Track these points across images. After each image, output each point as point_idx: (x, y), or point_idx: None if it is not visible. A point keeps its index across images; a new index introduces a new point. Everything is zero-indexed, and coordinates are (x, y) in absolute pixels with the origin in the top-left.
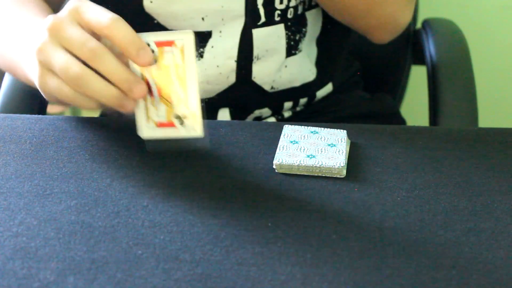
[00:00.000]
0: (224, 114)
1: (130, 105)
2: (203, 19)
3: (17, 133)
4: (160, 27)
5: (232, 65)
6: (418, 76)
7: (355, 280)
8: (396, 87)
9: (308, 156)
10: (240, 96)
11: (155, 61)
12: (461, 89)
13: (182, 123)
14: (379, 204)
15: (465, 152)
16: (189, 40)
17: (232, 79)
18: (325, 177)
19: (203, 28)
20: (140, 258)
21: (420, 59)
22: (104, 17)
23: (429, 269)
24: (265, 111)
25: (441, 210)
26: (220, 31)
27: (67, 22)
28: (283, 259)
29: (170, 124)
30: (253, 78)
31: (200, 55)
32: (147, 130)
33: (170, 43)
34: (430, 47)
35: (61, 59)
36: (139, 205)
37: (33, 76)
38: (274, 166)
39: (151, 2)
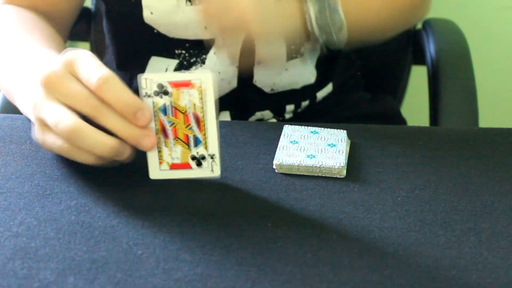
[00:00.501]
0: (224, 117)
1: (128, 152)
2: (205, 27)
3: (17, 133)
4: (161, 36)
5: (234, 71)
6: (418, 76)
7: (355, 280)
8: (397, 87)
9: (308, 156)
10: (241, 99)
11: (164, 108)
12: (461, 89)
13: (199, 164)
14: (379, 204)
15: (465, 152)
16: (208, 81)
17: (233, 84)
18: (325, 177)
19: (206, 36)
20: (140, 258)
21: (420, 59)
22: (95, 77)
23: (429, 269)
24: (267, 114)
25: (441, 210)
26: (224, 38)
27: (63, 77)
28: (283, 259)
29: (186, 165)
30: (254, 82)
31: (202, 61)
32: (159, 172)
33: (187, 84)
34: (431, 47)
35: (53, 113)
36: (139, 205)
37: (32, 127)
38: (274, 166)
39: (152, 13)
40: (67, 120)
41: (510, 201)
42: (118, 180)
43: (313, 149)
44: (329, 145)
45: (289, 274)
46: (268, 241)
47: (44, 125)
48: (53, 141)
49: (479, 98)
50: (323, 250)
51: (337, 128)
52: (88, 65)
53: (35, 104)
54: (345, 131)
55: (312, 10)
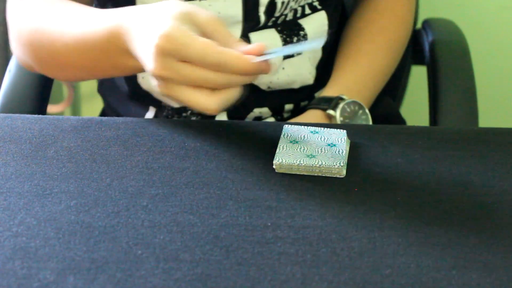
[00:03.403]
0: (221, 115)
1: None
2: None
3: (17, 133)
4: None
5: None
6: (418, 76)
7: (355, 280)
8: (396, 87)
9: (308, 156)
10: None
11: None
12: (461, 89)
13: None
14: (379, 204)
15: (465, 152)
16: None
17: None
18: (325, 177)
19: None
20: (140, 258)
21: (420, 59)
22: (208, 60)
23: (429, 269)
24: (265, 111)
25: (441, 210)
26: None
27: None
28: (283, 259)
29: None
30: None
31: None
32: None
33: None
34: (430, 47)
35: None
36: (139, 205)
37: (150, 76)
38: (274, 166)
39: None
40: (213, 52)
41: (510, 201)
42: (118, 180)
43: (313, 149)
44: (329, 145)
45: (289, 274)
46: (268, 241)
47: (172, 81)
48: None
49: (479, 98)
50: (323, 250)
51: (337, 128)
52: (194, 46)
53: (158, 66)
54: (344, 131)
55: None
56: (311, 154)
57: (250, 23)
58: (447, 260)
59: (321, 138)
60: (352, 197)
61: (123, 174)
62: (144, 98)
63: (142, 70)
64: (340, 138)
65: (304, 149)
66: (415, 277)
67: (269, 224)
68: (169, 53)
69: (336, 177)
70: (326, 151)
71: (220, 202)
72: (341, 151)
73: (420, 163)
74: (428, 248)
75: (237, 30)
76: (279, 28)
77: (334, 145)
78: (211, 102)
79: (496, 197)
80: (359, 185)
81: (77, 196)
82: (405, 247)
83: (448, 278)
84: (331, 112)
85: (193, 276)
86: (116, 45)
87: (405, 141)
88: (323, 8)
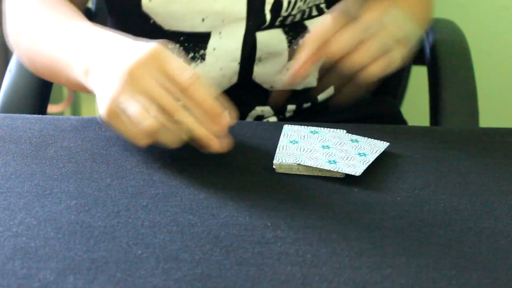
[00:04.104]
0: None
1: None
2: (203, 20)
3: (17, 133)
4: (156, 27)
5: (236, 67)
6: (418, 76)
7: (355, 280)
8: (397, 87)
9: (329, 161)
10: (240, 94)
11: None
12: (462, 89)
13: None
14: (379, 204)
15: (465, 152)
16: None
17: (234, 80)
18: (325, 177)
19: (202, 29)
20: (140, 258)
21: (420, 59)
22: (187, 74)
23: (429, 269)
24: (267, 110)
25: (441, 210)
26: (220, 32)
27: (149, 70)
28: (283, 259)
29: None
30: (253, 78)
31: (202, 57)
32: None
33: None
34: (431, 47)
35: (136, 108)
36: (139, 205)
37: (98, 103)
38: (274, 166)
39: (150, 1)
40: (149, 121)
41: (510, 201)
42: (118, 180)
43: (336, 155)
44: (359, 154)
45: (289, 274)
46: (268, 241)
47: (119, 112)
48: (129, 129)
49: (479, 98)
50: (323, 250)
51: (337, 128)
52: (177, 62)
53: (118, 92)
54: (344, 131)
55: None
56: (333, 160)
57: (256, 21)
58: (447, 260)
59: (321, 138)
60: (352, 197)
61: (123, 174)
62: None
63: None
64: (374, 150)
65: (304, 149)
66: (415, 277)
67: (269, 224)
68: (147, 63)
69: (336, 177)
70: (353, 159)
71: (220, 202)
72: (368, 161)
73: (420, 163)
74: (428, 248)
75: (241, 28)
76: (286, 29)
77: (365, 155)
78: (141, 137)
79: (496, 197)
80: (359, 185)
81: (77, 196)
82: (405, 247)
83: (448, 278)
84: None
85: (193, 276)
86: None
87: (405, 141)
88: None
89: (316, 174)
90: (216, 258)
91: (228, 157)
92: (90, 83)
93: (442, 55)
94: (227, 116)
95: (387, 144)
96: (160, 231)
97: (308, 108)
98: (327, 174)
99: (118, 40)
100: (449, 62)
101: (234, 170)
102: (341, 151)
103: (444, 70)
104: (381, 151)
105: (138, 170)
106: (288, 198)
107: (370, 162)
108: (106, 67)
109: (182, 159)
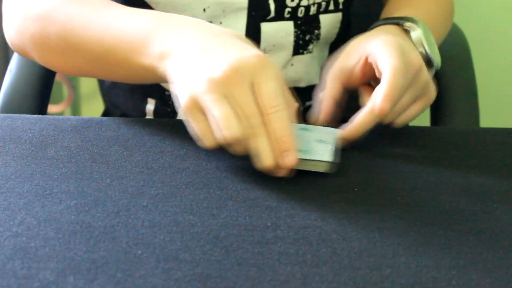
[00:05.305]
0: None
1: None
2: (204, 10)
3: (17, 133)
4: None
5: None
6: None
7: (355, 280)
8: None
9: (300, 151)
10: None
11: None
12: (462, 89)
13: None
14: (379, 204)
15: (465, 152)
16: None
17: None
18: (325, 177)
19: (202, 19)
20: (140, 258)
21: None
22: (276, 102)
23: (429, 269)
24: None
25: (441, 210)
26: (221, 22)
27: (243, 83)
28: (283, 259)
29: None
30: None
31: None
32: None
33: None
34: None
35: (224, 113)
36: (139, 205)
37: (178, 91)
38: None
39: None
40: (235, 130)
41: (510, 201)
42: (118, 180)
43: (302, 144)
44: (317, 141)
45: (289, 274)
46: (268, 241)
47: (200, 109)
48: (205, 129)
49: (480, 98)
50: (323, 250)
51: (337, 128)
52: (274, 84)
53: (201, 87)
54: (336, 129)
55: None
56: (301, 149)
57: (259, 12)
58: (447, 260)
59: (310, 134)
60: (352, 197)
61: (123, 174)
62: (143, 90)
63: (162, 81)
64: (329, 135)
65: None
66: (415, 277)
67: (269, 224)
68: (240, 72)
69: (336, 177)
70: (315, 147)
71: (220, 202)
72: (329, 147)
73: (420, 163)
74: (428, 248)
75: (242, 18)
76: (298, 22)
77: (323, 142)
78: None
79: (496, 197)
80: (359, 185)
81: (77, 196)
82: (405, 247)
83: (448, 278)
84: (410, 25)
85: (193, 276)
86: (154, 74)
87: (405, 141)
88: (343, 9)
89: (301, 168)
90: (216, 258)
91: (228, 157)
92: (168, 68)
93: (442, 55)
94: (294, 155)
95: (336, 129)
96: (160, 231)
97: (310, 107)
98: (311, 169)
99: (206, 27)
100: (450, 62)
101: (234, 170)
102: (301, 141)
103: (445, 70)
104: (335, 136)
105: (138, 170)
106: (288, 198)
107: (333, 148)
108: (195, 56)
109: (182, 159)
